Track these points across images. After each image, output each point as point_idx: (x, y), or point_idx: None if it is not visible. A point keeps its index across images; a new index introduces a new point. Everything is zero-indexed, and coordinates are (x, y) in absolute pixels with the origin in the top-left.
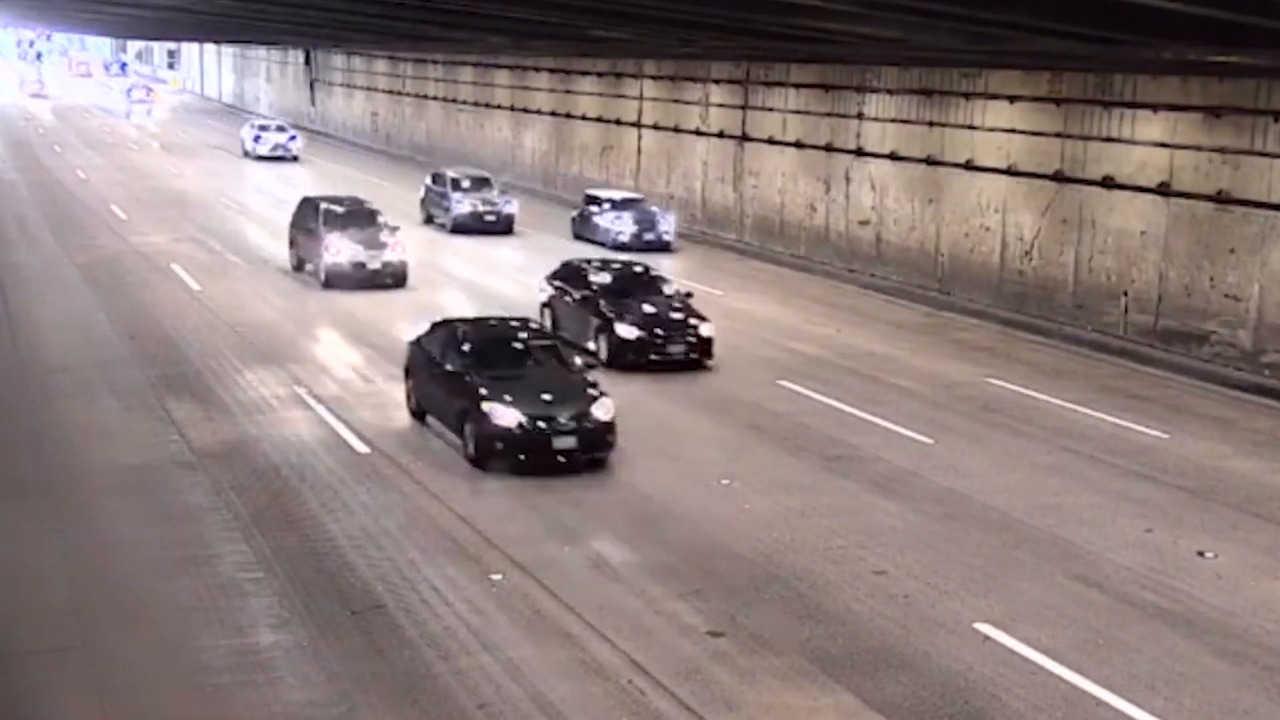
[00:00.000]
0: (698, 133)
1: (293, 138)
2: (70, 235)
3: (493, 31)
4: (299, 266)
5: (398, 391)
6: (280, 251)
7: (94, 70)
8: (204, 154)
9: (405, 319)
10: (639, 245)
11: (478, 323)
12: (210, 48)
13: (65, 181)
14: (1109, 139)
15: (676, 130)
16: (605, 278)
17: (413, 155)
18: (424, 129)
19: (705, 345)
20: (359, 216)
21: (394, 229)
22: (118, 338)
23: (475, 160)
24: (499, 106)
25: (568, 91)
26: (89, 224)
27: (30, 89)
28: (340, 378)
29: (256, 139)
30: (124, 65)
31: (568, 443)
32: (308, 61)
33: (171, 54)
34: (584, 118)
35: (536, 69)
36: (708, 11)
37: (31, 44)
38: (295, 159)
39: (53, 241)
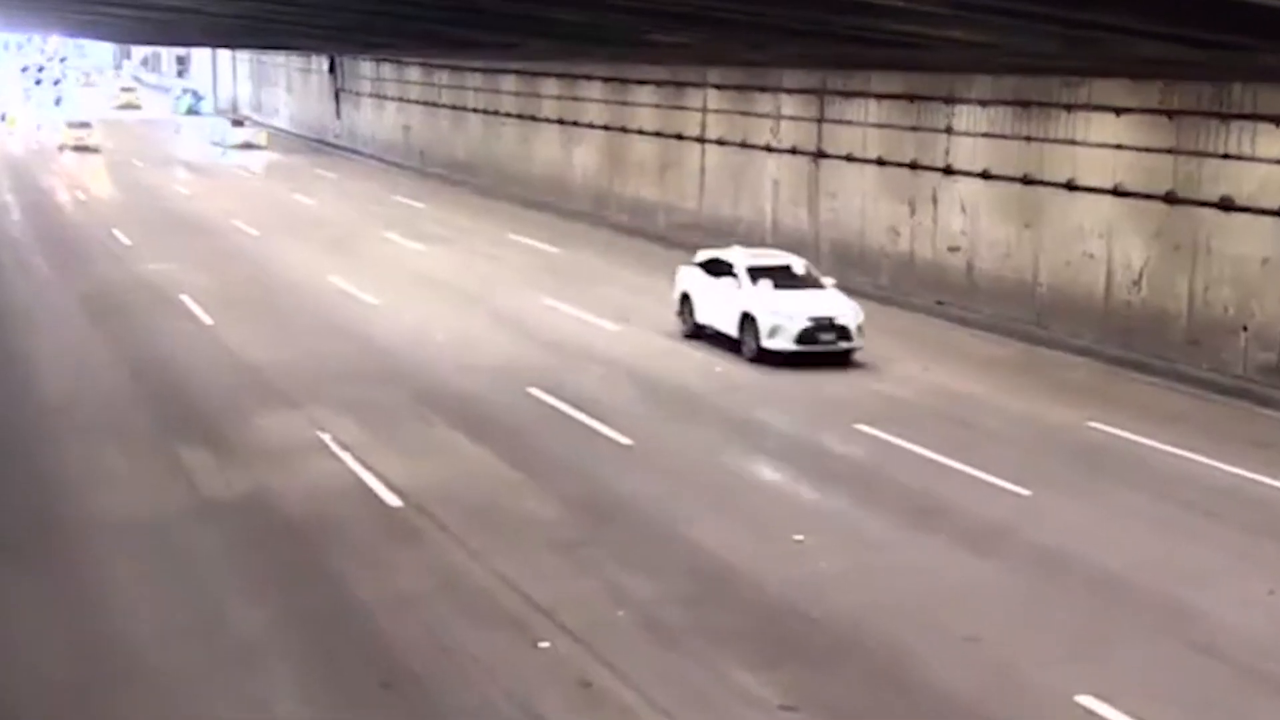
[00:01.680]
0: (768, 149)
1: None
2: (69, 262)
3: (539, 36)
4: (694, 333)
5: (436, 436)
6: (303, 278)
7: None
8: (219, 173)
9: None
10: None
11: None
12: (224, 54)
13: (62, 204)
14: (1227, 156)
15: (744, 146)
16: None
17: (449, 174)
18: (463, 144)
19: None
20: (786, 272)
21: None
22: (121, 376)
23: (522, 180)
24: (546, 120)
25: (623, 103)
26: (90, 250)
27: (70, 137)
28: (370, 420)
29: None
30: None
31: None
32: (332, 69)
33: (181, 61)
34: (641, 132)
35: (588, 78)
36: (779, 14)
37: (41, 70)
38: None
39: (48, 269)
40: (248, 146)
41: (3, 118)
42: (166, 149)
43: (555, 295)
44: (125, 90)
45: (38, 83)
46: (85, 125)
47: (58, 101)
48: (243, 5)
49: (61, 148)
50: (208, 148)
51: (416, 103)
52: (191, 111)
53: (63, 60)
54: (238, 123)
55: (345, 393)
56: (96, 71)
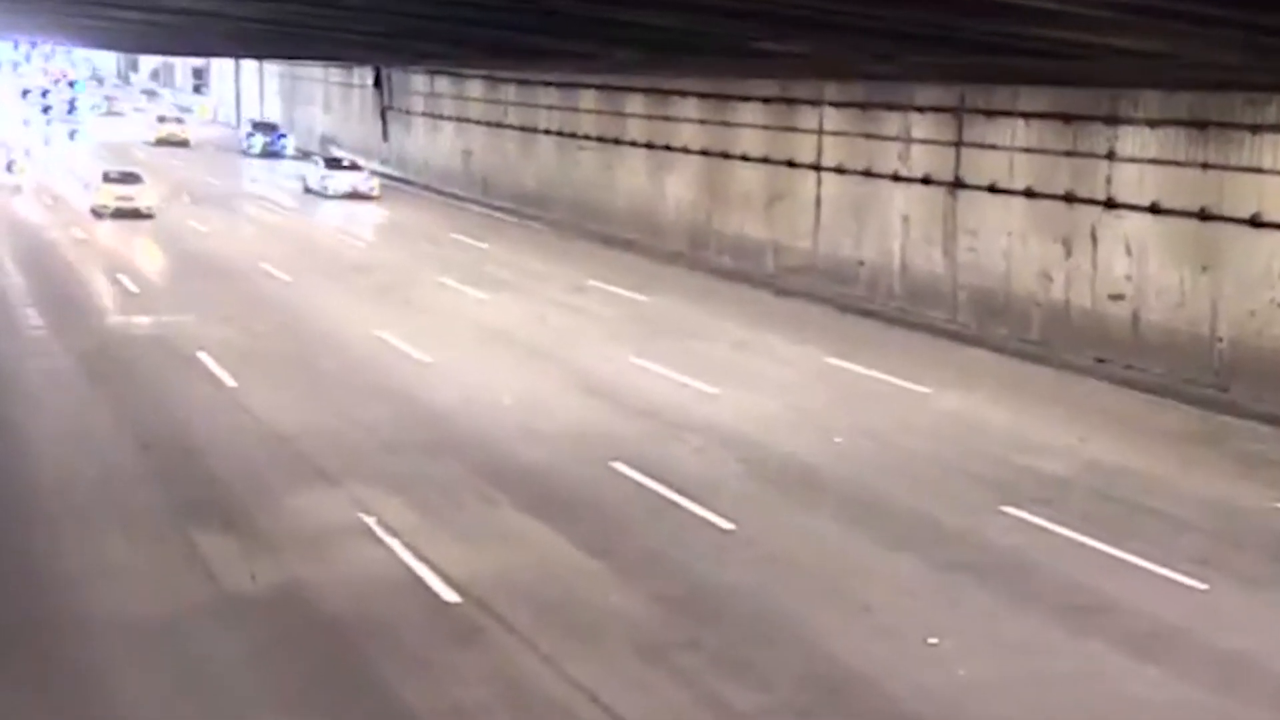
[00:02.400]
0: (895, 178)
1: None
2: (67, 314)
3: (625, 44)
4: None
5: (500, 519)
6: (343, 331)
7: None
8: (242, 202)
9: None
10: None
11: None
12: (250, 65)
13: (58, 243)
14: None
15: (868, 174)
16: None
17: (517, 207)
18: (533, 172)
19: None
20: None
21: None
22: (128, 449)
23: (603, 215)
24: (632, 143)
25: (724, 123)
26: (91, 299)
27: (110, 197)
28: (422, 500)
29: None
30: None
31: None
32: (378, 83)
33: (198, 74)
34: (745, 158)
35: (682, 94)
36: (910, 17)
37: (46, 94)
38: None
39: (43, 322)
40: (355, 196)
41: (9, 167)
42: (219, 190)
43: (643, 352)
44: (167, 120)
45: (45, 110)
46: (132, 179)
47: (72, 135)
48: (272, 7)
49: (99, 213)
50: (286, 192)
51: (478, 123)
52: (271, 153)
53: (72, 84)
54: (334, 162)
55: (393, 467)
56: (119, 88)
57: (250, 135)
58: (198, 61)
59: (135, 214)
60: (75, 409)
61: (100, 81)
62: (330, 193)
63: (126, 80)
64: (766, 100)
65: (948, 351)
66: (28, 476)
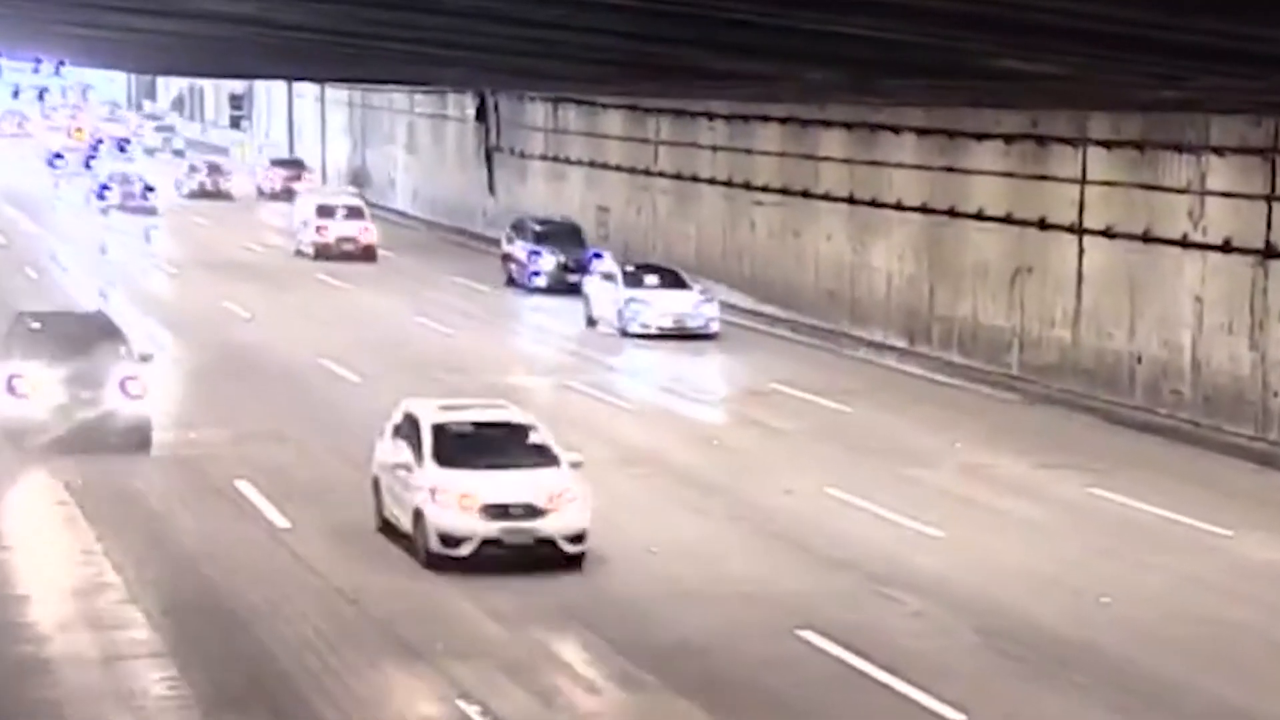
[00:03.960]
0: (1185, 243)
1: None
2: None
3: (817, 63)
4: None
5: (649, 707)
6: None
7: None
8: (294, 280)
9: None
10: None
11: None
12: (306, 90)
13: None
14: None
15: (1146, 239)
16: None
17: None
18: (690, 235)
19: None
20: None
21: None
22: (141, 615)
23: (786, 292)
24: (827, 196)
25: (951, 169)
26: None
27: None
28: (541, 679)
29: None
30: None
31: None
32: (481, 115)
33: (237, 101)
34: (980, 216)
35: (895, 129)
36: (1213, 27)
37: (59, 159)
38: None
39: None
40: (682, 334)
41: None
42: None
43: (841, 480)
44: (342, 211)
45: (55, 161)
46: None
47: (148, 236)
48: (341, 12)
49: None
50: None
51: (618, 169)
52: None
53: (124, 143)
54: (639, 276)
55: (496, 635)
56: (197, 141)
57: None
58: (236, 85)
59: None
60: (70, 558)
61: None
62: (640, 328)
63: (140, 110)
64: (1009, 138)
65: (1256, 480)
66: (8, 651)
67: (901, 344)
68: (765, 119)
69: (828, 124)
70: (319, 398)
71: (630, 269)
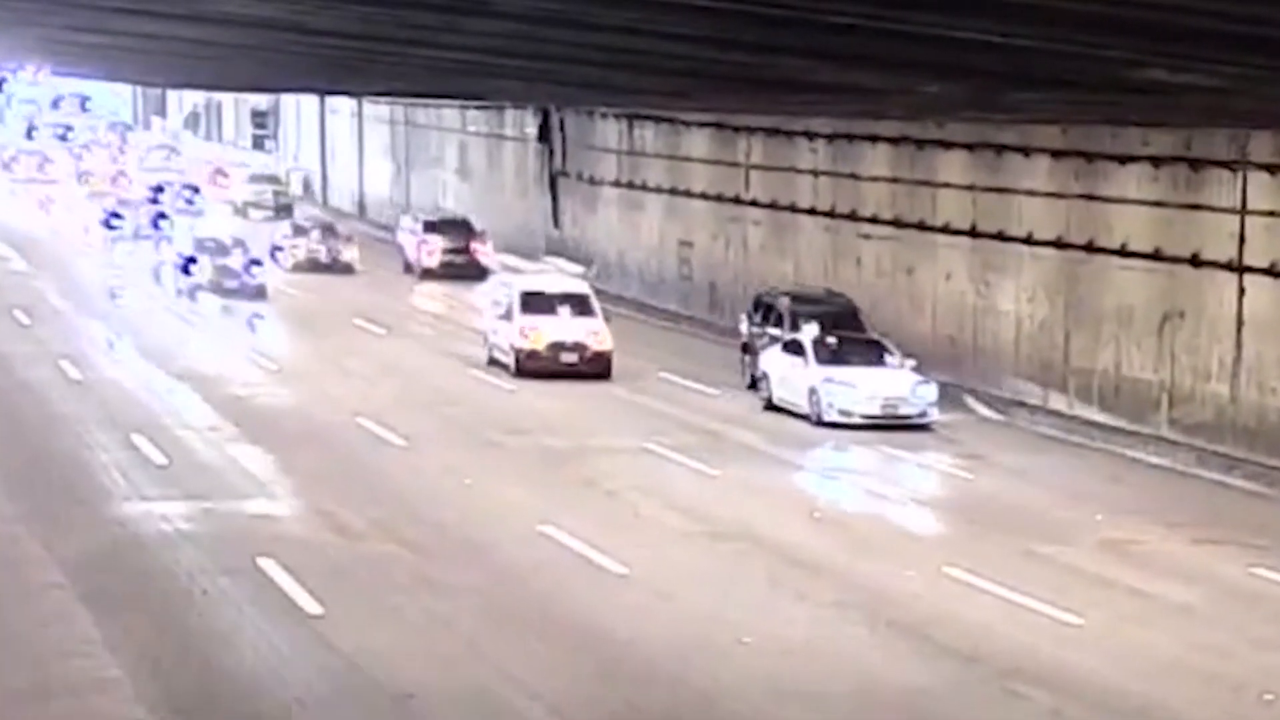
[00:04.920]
0: None
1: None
2: (49, 497)
3: (934, 73)
4: None
5: None
6: (487, 525)
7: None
8: (334, 326)
9: None
10: None
11: None
12: (341, 106)
13: (46, 382)
14: None
15: None
16: None
17: None
18: (787, 274)
19: None
20: None
21: None
22: (147, 717)
23: (898, 339)
24: (945, 229)
25: (1088, 197)
26: (86, 474)
27: None
28: None
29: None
30: None
31: None
32: (544, 135)
33: (260, 120)
34: (1123, 252)
35: (1024, 150)
36: None
37: (116, 216)
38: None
39: (14, 510)
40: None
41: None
42: None
43: (962, 558)
44: (564, 304)
45: (112, 220)
46: None
47: (252, 325)
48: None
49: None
50: None
51: (703, 197)
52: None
53: (192, 192)
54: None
55: None
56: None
57: None
58: (260, 100)
59: None
60: (64, 655)
61: (83, 105)
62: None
63: (147, 128)
64: (1157, 161)
65: None
66: None
67: (1032, 399)
68: (874, 139)
69: (946, 145)
70: (354, 454)
71: (831, 341)
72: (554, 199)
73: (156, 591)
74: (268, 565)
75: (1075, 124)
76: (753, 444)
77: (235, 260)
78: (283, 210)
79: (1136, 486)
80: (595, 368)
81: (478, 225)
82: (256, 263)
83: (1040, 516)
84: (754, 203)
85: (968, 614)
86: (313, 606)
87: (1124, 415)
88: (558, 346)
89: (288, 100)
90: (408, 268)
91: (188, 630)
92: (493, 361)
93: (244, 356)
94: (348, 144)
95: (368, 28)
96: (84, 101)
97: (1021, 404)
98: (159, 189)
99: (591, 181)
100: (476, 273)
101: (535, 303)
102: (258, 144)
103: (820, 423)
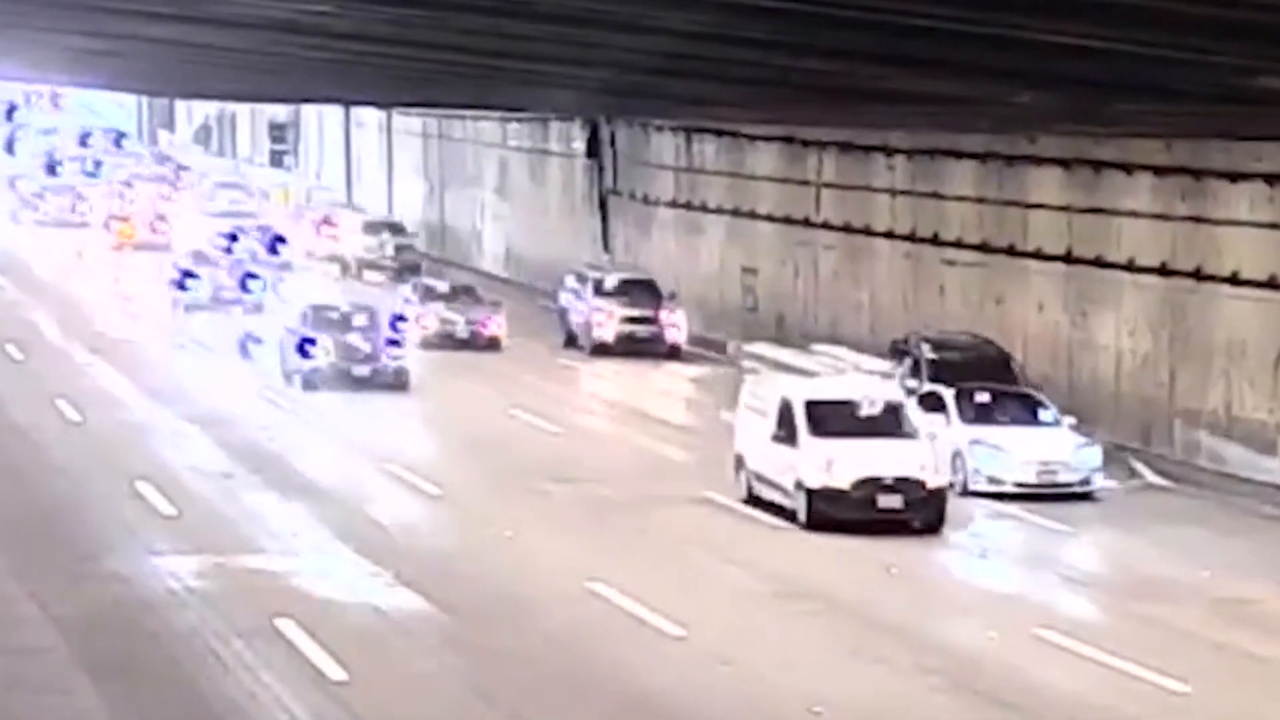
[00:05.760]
0: None
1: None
2: (46, 552)
3: (1025, 81)
4: None
5: None
6: (532, 579)
7: None
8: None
9: None
10: None
11: None
12: (367, 118)
13: (41, 427)
14: None
15: None
16: None
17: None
18: (863, 305)
19: None
20: None
21: None
22: None
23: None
24: (1036, 254)
25: (1195, 219)
26: (89, 525)
27: None
28: None
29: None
30: None
31: None
32: (593, 151)
33: (279, 132)
34: (1235, 280)
35: (1125, 167)
36: None
37: (190, 275)
38: None
39: (5, 563)
40: None
41: None
42: None
43: (1055, 617)
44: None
45: (186, 281)
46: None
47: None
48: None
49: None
50: None
51: (769, 219)
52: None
53: (276, 241)
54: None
55: None
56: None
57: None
58: (278, 111)
59: None
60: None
61: (118, 142)
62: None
63: (154, 142)
64: (1272, 179)
65: None
66: None
67: (1134, 443)
68: (958, 155)
69: (1039, 161)
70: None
71: (980, 397)
72: (604, 220)
73: (163, 656)
74: (286, 626)
75: (1181, 138)
76: None
77: (364, 337)
78: (408, 270)
79: (1250, 540)
80: (926, 516)
81: (665, 287)
82: (395, 341)
83: (1141, 573)
84: (826, 225)
85: (1059, 678)
86: (336, 672)
87: (1235, 460)
88: (872, 485)
89: (309, 112)
90: (571, 340)
91: (199, 698)
92: (755, 499)
93: (376, 466)
94: (375, 160)
95: (398, 31)
96: (119, 138)
97: (1121, 447)
98: (232, 237)
99: (645, 201)
100: (667, 350)
101: (830, 418)
102: (276, 160)
103: (966, 492)
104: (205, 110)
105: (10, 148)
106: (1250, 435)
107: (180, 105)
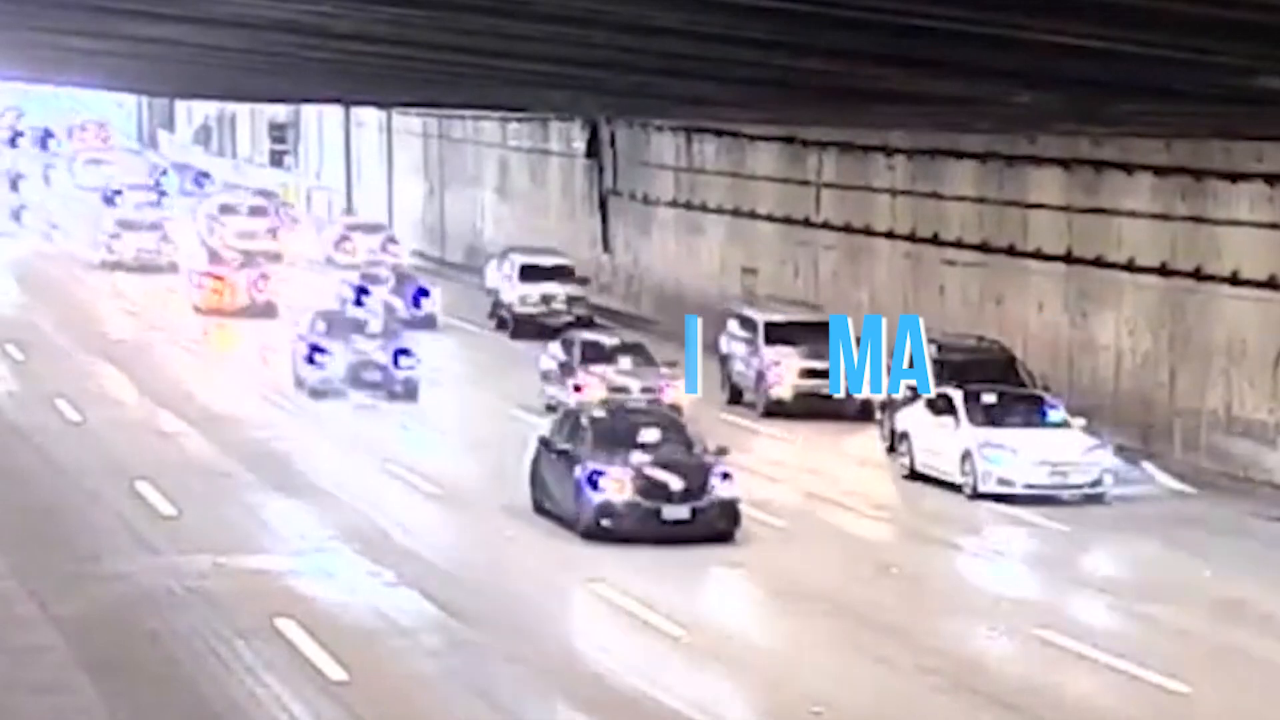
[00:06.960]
0: None
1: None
2: (46, 552)
3: (1025, 81)
4: None
5: None
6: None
7: None
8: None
9: None
10: None
11: None
12: (368, 118)
13: (45, 428)
14: None
15: None
16: None
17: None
18: (863, 304)
19: None
20: None
21: None
22: None
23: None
24: (1036, 254)
25: (1196, 219)
26: (88, 524)
27: None
28: None
29: None
30: None
31: None
32: (592, 151)
33: (279, 134)
34: (1234, 280)
35: (1125, 167)
36: None
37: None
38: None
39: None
40: None
41: None
42: None
43: (1058, 619)
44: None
45: (315, 355)
46: None
47: None
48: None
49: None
50: None
51: (769, 219)
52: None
53: (420, 294)
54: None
55: None
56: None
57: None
58: (278, 111)
59: None
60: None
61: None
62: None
63: (153, 144)
64: (1272, 179)
65: None
66: None
67: (1134, 443)
68: (958, 155)
69: (1039, 161)
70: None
71: (988, 399)
72: (604, 221)
73: (163, 656)
74: (286, 626)
75: (1182, 138)
76: (907, 523)
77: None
78: (584, 328)
79: (1251, 541)
80: None
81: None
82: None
83: (1141, 573)
84: (826, 225)
85: (1058, 678)
86: (336, 672)
87: (1235, 461)
88: None
89: (309, 112)
90: (735, 396)
91: (198, 698)
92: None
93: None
94: (375, 160)
95: (398, 31)
96: (200, 177)
97: (1121, 447)
98: (363, 290)
99: (645, 201)
100: (855, 411)
101: None
102: (275, 160)
103: (976, 494)
104: (205, 110)
105: (46, 179)
106: (1251, 435)
107: (180, 105)
